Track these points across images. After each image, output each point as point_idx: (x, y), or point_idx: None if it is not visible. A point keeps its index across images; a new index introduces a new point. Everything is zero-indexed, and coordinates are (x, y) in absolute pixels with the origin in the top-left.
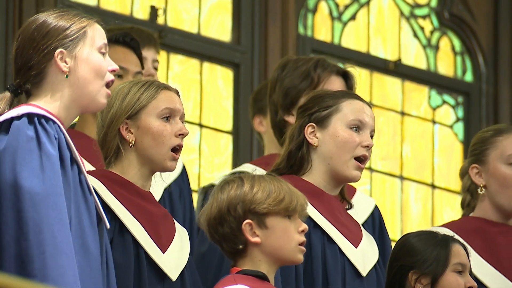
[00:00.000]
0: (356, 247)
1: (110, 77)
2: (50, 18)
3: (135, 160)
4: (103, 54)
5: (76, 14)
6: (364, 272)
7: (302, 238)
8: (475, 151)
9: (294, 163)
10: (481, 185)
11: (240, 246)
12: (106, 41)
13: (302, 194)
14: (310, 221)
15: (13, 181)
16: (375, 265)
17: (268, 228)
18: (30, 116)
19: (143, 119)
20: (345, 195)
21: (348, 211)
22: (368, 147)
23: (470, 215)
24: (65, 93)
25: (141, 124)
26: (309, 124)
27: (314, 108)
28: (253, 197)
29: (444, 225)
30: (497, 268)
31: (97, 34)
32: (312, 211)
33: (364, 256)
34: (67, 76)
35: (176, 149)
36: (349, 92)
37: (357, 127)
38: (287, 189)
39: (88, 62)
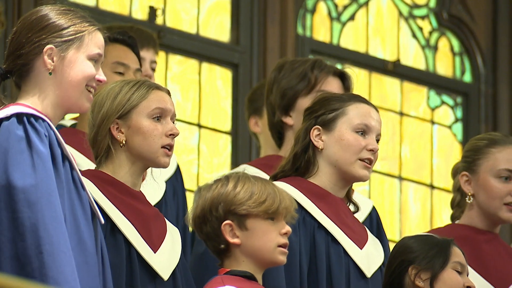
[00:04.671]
0: (361, 249)
1: (92, 83)
2: (53, 12)
3: (126, 160)
4: (95, 61)
5: (80, 16)
6: (368, 274)
7: (283, 240)
8: (467, 158)
9: (300, 165)
10: (469, 194)
11: (222, 246)
12: (101, 52)
13: (290, 196)
14: (314, 221)
15: (6, 181)
16: (380, 267)
17: (248, 230)
18: (19, 116)
19: (134, 119)
20: (352, 198)
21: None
22: (373, 151)
23: (457, 222)
24: (50, 91)
25: (131, 124)
26: (315, 127)
27: (321, 110)
28: (234, 198)
29: (430, 231)
30: (483, 276)
31: (93, 42)
32: (316, 212)
33: (369, 257)
34: (50, 73)
35: (167, 149)
36: (356, 95)
37: (363, 131)
38: (271, 190)
39: (74, 67)
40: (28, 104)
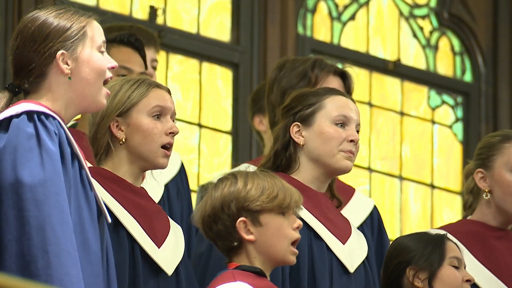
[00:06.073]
0: (343, 244)
1: (108, 74)
2: (49, 17)
3: (126, 158)
4: (102, 52)
5: (74, 12)
6: (351, 269)
7: (297, 235)
8: (481, 155)
9: (281, 163)
10: (486, 191)
11: (235, 243)
12: (104, 38)
13: (296, 190)
14: None
15: (14, 179)
16: (363, 262)
17: (262, 226)
18: (29, 114)
19: (133, 117)
20: (334, 192)
21: (346, 211)
22: (354, 142)
23: (468, 217)
24: (64, 93)
25: (131, 121)
26: (294, 124)
27: (298, 107)
28: (247, 194)
29: (442, 227)
30: (493, 273)
31: (96, 32)
32: None
33: (352, 252)
34: (70, 78)
35: (167, 148)
36: (332, 88)
37: (342, 122)
38: (280, 185)
39: (90, 63)
40: (40, 102)
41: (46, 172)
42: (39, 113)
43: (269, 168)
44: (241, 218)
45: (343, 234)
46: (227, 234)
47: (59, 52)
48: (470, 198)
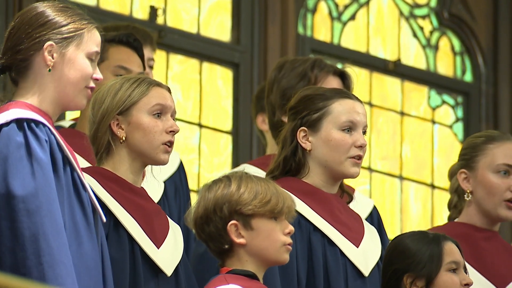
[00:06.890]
0: (357, 247)
1: (91, 84)
2: (51, 9)
3: (126, 156)
4: (92, 60)
5: (79, 13)
6: (366, 272)
7: (288, 240)
8: (465, 156)
9: (290, 168)
10: (468, 191)
11: (226, 246)
12: (99, 50)
13: (290, 195)
14: (309, 224)
15: (6, 190)
16: (377, 263)
17: (254, 230)
18: (19, 122)
19: (134, 115)
20: (345, 188)
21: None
22: (362, 147)
23: (456, 220)
24: (49, 88)
25: (132, 120)
26: (301, 129)
27: (305, 111)
28: (239, 198)
29: (429, 230)
30: (482, 274)
31: (92, 40)
32: (310, 214)
33: (366, 255)
34: (49, 70)
35: (167, 146)
36: (338, 90)
37: (349, 128)
38: (274, 190)
39: (74, 64)
40: (28, 102)
41: (37, 182)
42: (28, 121)
43: (279, 174)
44: (232, 221)
45: (356, 237)
46: (218, 237)
47: (48, 43)
48: (454, 198)
